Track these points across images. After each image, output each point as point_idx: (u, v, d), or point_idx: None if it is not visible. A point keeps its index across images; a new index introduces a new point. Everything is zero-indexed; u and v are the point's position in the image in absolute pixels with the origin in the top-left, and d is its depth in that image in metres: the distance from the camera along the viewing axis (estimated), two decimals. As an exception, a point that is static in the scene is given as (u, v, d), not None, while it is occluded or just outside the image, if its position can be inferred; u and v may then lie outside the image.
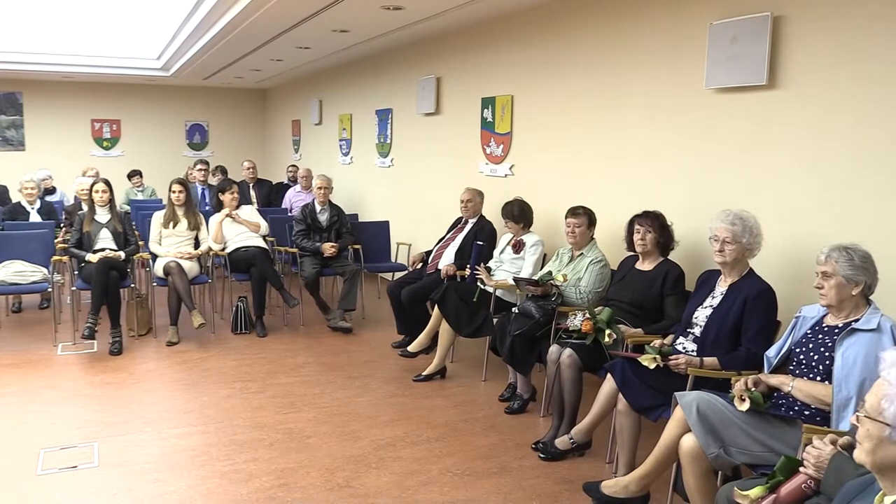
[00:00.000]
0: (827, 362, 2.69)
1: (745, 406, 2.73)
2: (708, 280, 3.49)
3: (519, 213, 5.02)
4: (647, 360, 3.28)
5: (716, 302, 3.34)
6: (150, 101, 12.69)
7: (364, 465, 3.63)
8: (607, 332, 3.73)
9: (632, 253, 4.11)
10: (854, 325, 2.67)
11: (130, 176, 9.81)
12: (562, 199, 5.03)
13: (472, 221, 5.75)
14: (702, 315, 3.37)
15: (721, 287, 3.37)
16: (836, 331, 2.72)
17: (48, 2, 7.44)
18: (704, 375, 3.16)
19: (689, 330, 3.43)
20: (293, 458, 3.70)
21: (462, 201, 5.75)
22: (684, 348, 3.40)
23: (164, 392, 4.75)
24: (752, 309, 3.19)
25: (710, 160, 4.13)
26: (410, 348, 5.22)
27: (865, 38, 3.27)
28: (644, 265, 4.00)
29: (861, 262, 2.70)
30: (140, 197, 9.58)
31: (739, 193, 3.89)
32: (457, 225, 5.90)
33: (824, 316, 2.84)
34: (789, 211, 3.64)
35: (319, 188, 6.68)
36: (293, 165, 10.15)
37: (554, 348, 3.95)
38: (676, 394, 2.93)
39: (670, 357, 3.29)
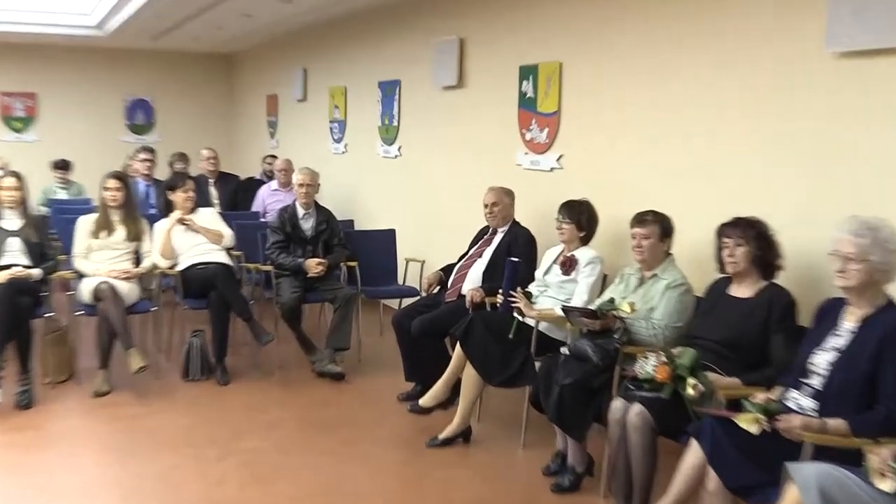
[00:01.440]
0: None
1: (888, 486, 2.69)
2: (830, 312, 3.46)
3: (587, 220, 5.04)
4: (748, 422, 3.24)
5: (842, 343, 3.32)
6: (77, 69, 12.85)
7: (359, 562, 3.61)
8: (690, 381, 3.67)
9: (723, 275, 4.09)
10: None
11: (55, 167, 9.88)
12: (627, 201, 5.03)
13: (501, 231, 5.75)
14: (822, 360, 3.34)
15: (849, 323, 3.34)
16: None
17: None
18: (827, 444, 3.11)
19: (804, 380, 3.40)
20: (263, 551, 3.69)
21: (486, 205, 5.75)
22: (798, 405, 3.37)
23: (89, 459, 4.77)
24: (893, 353, 3.15)
25: (833, 148, 4.10)
26: (423, 402, 5.19)
27: None
28: (740, 291, 3.99)
29: None
30: (63, 196, 9.67)
31: (874, 194, 3.86)
32: (483, 236, 5.91)
33: None
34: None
35: (302, 185, 6.71)
36: (270, 156, 10.22)
37: (618, 403, 3.92)
38: (789, 465, 2.89)
39: (779, 417, 3.24)
